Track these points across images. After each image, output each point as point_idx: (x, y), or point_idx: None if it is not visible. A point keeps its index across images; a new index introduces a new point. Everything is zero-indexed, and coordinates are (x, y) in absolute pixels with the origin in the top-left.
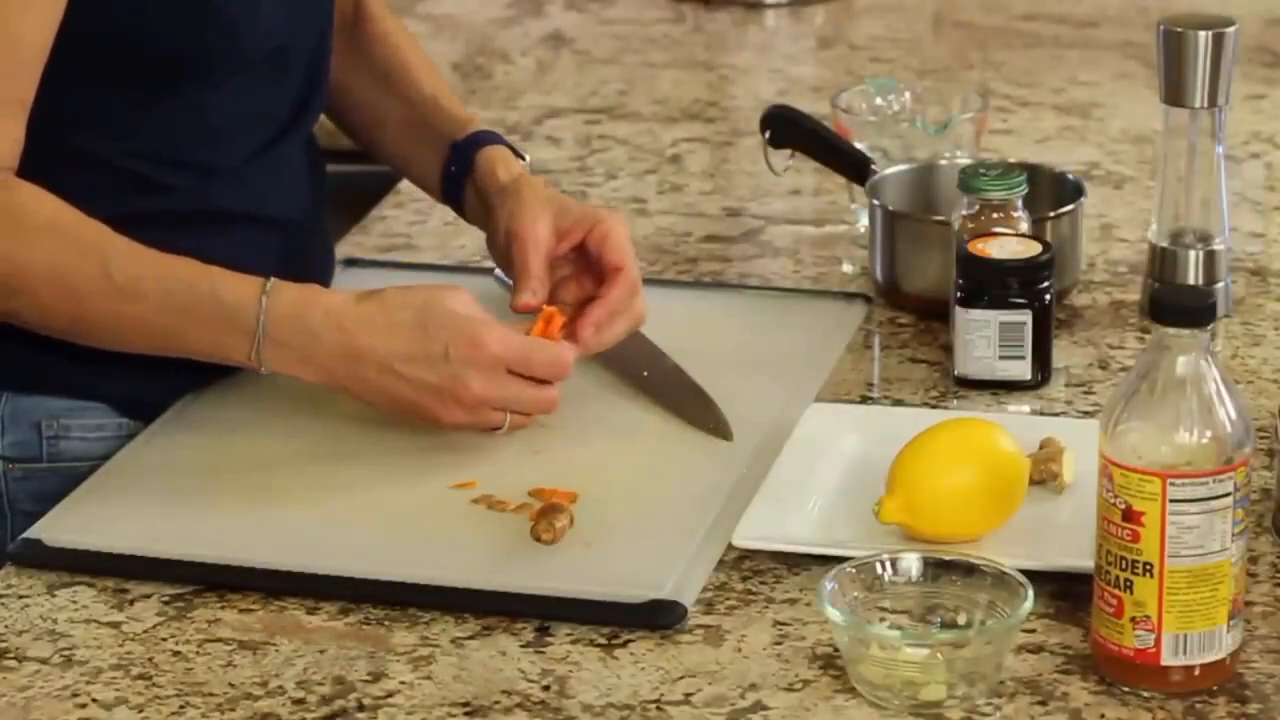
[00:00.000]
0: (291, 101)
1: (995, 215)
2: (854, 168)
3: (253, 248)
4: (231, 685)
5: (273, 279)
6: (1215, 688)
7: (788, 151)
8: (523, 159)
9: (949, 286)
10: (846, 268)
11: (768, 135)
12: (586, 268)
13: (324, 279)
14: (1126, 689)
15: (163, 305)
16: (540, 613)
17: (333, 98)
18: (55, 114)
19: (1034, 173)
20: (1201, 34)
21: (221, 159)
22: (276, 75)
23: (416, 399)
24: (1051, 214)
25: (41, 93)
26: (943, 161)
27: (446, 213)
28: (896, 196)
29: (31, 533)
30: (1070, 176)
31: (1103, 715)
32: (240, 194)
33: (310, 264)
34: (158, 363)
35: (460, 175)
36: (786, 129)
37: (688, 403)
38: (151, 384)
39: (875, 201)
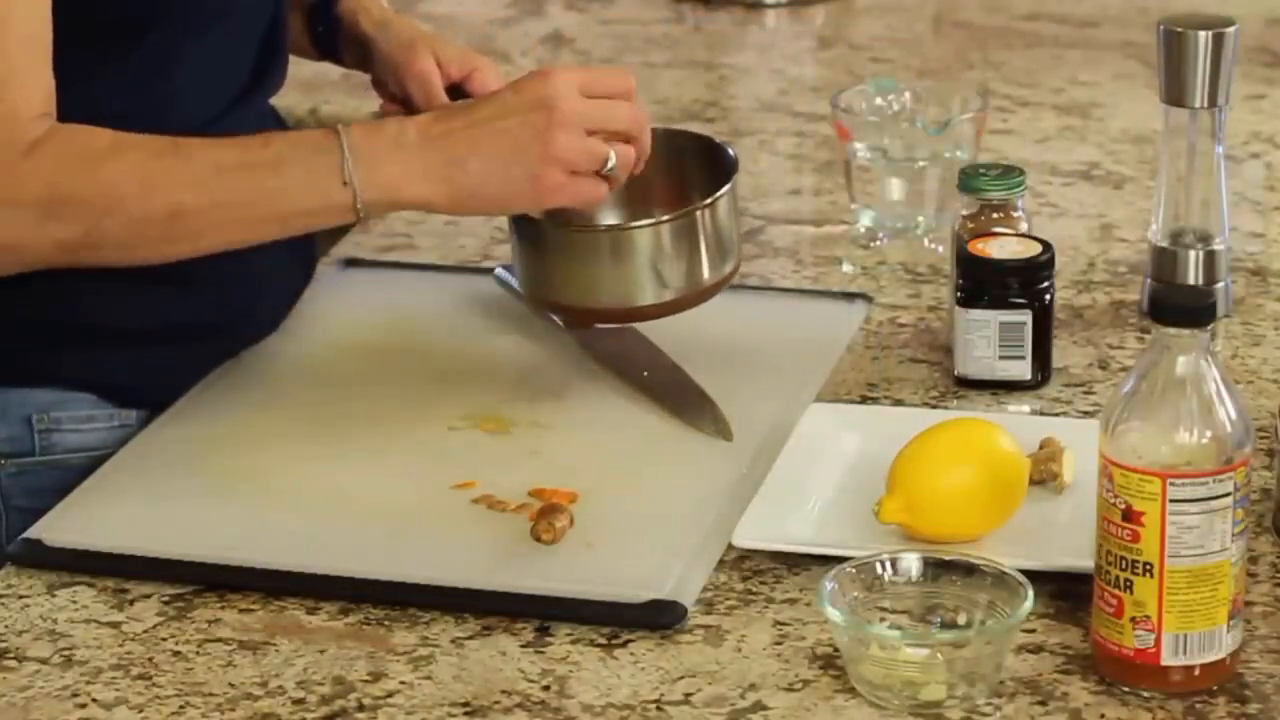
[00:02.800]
0: (248, 67)
1: (995, 215)
2: None
3: None
4: (231, 685)
5: (340, 125)
6: (1215, 688)
7: None
8: None
9: (605, 296)
10: (846, 268)
11: None
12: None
13: (305, 251)
14: (1126, 689)
15: (248, 167)
16: (540, 613)
17: None
18: None
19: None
20: (1201, 34)
21: (176, 121)
22: (231, 39)
23: (515, 136)
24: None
25: None
26: None
27: None
28: None
29: (31, 532)
30: (728, 150)
31: (1103, 715)
32: None
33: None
34: (146, 349)
35: (330, 32)
36: None
37: (687, 403)
38: (139, 370)
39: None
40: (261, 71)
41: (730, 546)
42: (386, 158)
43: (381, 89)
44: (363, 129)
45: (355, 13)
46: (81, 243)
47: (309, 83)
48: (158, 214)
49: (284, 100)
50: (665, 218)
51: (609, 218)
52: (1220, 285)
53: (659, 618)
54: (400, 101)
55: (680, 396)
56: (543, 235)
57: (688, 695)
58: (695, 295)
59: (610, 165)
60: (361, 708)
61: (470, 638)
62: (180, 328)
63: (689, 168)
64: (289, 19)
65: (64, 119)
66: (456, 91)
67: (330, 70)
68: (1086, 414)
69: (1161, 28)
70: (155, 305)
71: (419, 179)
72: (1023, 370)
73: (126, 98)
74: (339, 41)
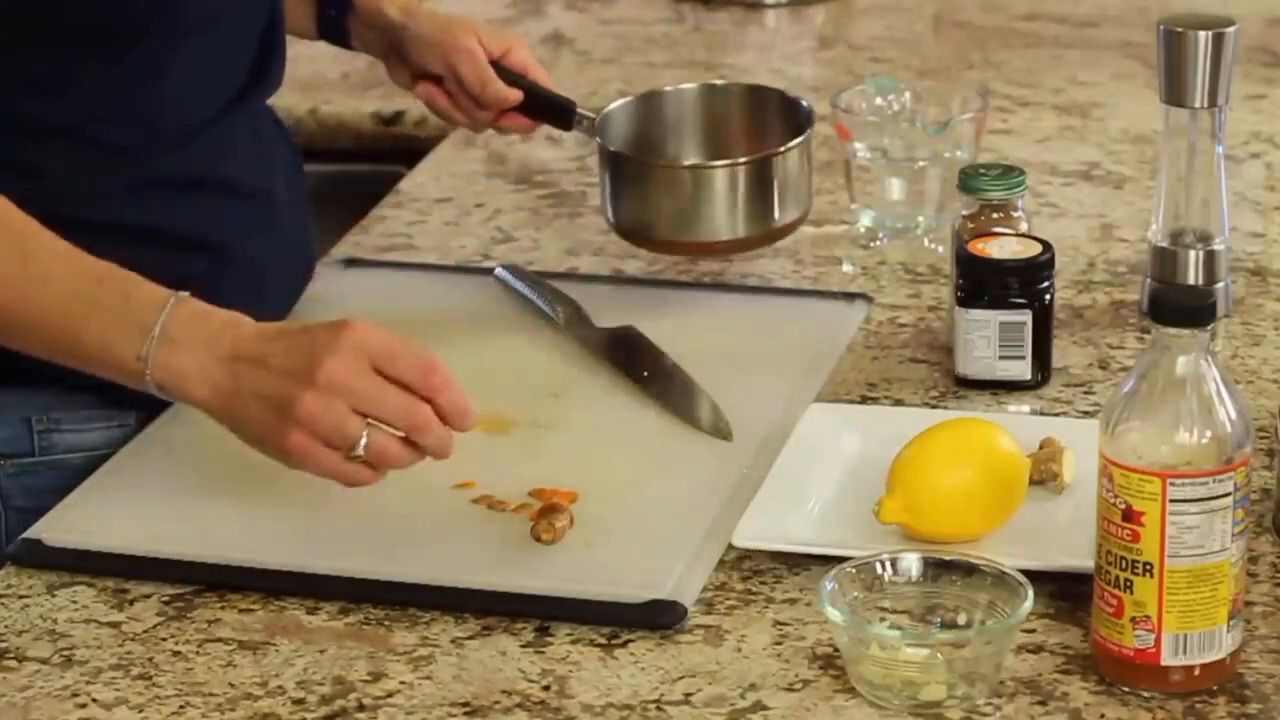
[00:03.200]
0: (245, 68)
1: (995, 215)
2: (552, 112)
3: (214, 213)
4: (231, 685)
5: (186, 292)
6: (1215, 688)
7: None
8: None
9: (686, 228)
10: (846, 268)
11: None
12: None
13: (304, 251)
14: (1126, 689)
15: (68, 294)
16: (540, 613)
17: None
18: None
19: (762, 95)
20: (1201, 34)
21: (170, 123)
22: (226, 41)
23: (280, 385)
24: (782, 148)
25: None
26: (669, 89)
27: (447, 213)
28: (626, 133)
29: (31, 532)
30: (804, 104)
31: (1103, 715)
32: (195, 160)
33: (282, 234)
34: None
35: (340, 16)
36: None
37: (687, 403)
38: None
39: (599, 140)
40: (259, 72)
41: (730, 546)
42: (189, 352)
43: (400, 74)
44: (192, 315)
45: (379, 1)
46: None
47: (308, 83)
48: None
49: (283, 100)
50: (742, 160)
51: (694, 159)
52: (1220, 285)
53: (659, 618)
54: (437, 81)
55: (680, 397)
56: (631, 169)
57: (688, 695)
58: (765, 235)
59: (357, 450)
60: (361, 708)
61: (470, 638)
62: None
63: (770, 121)
64: (284, 10)
65: (54, 125)
66: (497, 68)
67: (329, 70)
68: (1086, 414)
69: (1161, 28)
70: None
71: (207, 388)
72: (1023, 370)
73: (117, 101)
74: (348, 25)
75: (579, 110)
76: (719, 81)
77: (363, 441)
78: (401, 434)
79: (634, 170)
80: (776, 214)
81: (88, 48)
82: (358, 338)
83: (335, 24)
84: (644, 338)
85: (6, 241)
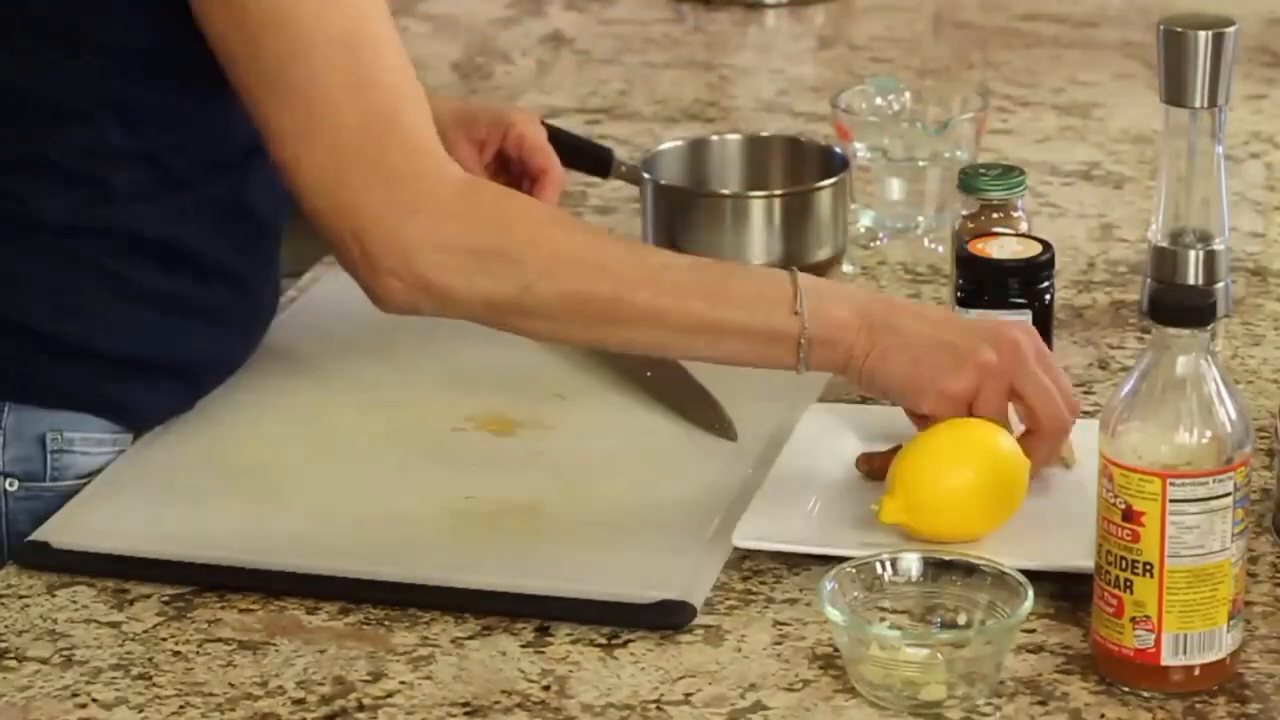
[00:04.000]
0: None
1: (995, 215)
2: (594, 162)
3: (241, 243)
4: (231, 685)
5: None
6: (1215, 688)
7: None
8: None
9: (727, 254)
10: (847, 268)
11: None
12: (506, 169)
13: (277, 288)
14: (1126, 689)
15: (698, 269)
16: (544, 613)
17: None
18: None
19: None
20: (1201, 34)
21: (224, 151)
22: None
23: (948, 338)
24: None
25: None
26: (714, 138)
27: None
28: (671, 173)
29: (36, 535)
30: (838, 151)
31: (1103, 715)
32: (235, 187)
33: (275, 268)
34: (156, 369)
35: None
36: None
37: (691, 403)
38: (151, 390)
39: (647, 176)
40: None
41: (731, 546)
42: (837, 301)
43: None
44: (814, 278)
45: None
46: (511, 305)
47: None
48: (600, 294)
49: None
50: (778, 193)
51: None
52: (1220, 285)
53: (669, 618)
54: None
55: (684, 397)
56: (672, 196)
57: (688, 695)
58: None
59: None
60: (361, 708)
61: (470, 638)
62: (202, 359)
63: (809, 165)
64: None
65: (132, 150)
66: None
67: None
68: (1086, 414)
69: (1161, 28)
70: (177, 337)
71: (861, 327)
72: None
73: (183, 129)
74: None
75: (618, 159)
76: (763, 134)
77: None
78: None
79: (680, 202)
80: (811, 248)
81: (201, 84)
82: (1035, 335)
83: None
84: None
85: (612, 240)
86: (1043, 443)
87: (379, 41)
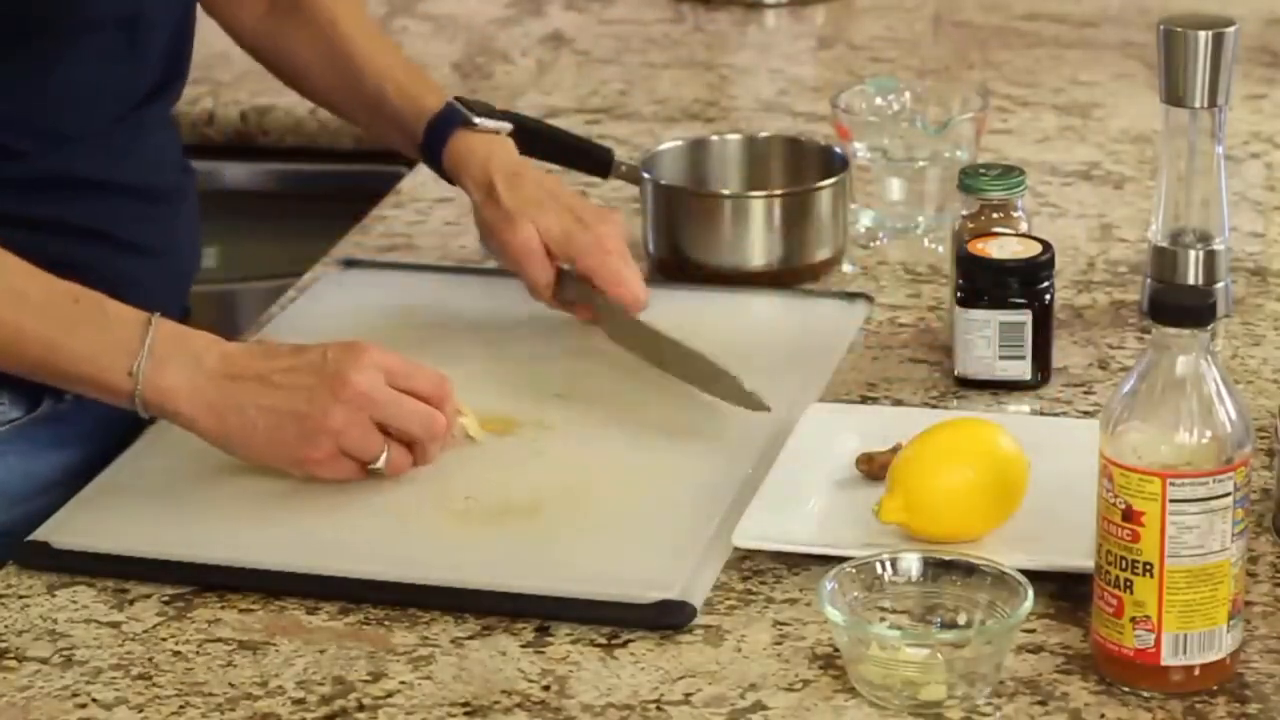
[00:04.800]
0: (150, 74)
1: (995, 215)
2: (594, 162)
3: (115, 215)
4: (231, 685)
5: (158, 313)
6: (1215, 688)
7: None
8: (474, 124)
9: (726, 254)
10: (846, 268)
11: None
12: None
13: (193, 256)
14: (1126, 689)
15: (45, 314)
16: (545, 613)
17: (293, 81)
18: None
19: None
20: (1201, 34)
21: (72, 126)
22: (130, 46)
23: (298, 400)
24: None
25: None
26: (714, 138)
27: (447, 212)
28: (671, 173)
29: (37, 535)
30: (838, 151)
31: (1103, 715)
32: (97, 162)
33: (176, 236)
34: None
35: (436, 164)
36: None
37: (716, 379)
38: None
39: (647, 176)
40: (165, 80)
41: (731, 546)
42: (178, 370)
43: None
44: (173, 334)
45: (461, 176)
46: None
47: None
48: None
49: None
50: (778, 193)
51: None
52: (1220, 285)
53: (669, 618)
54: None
55: (708, 373)
56: (672, 196)
57: (688, 695)
58: (799, 270)
59: (378, 465)
60: (361, 708)
61: (470, 638)
62: None
63: (809, 165)
64: (193, 33)
65: None
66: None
67: None
68: (1086, 414)
69: (1161, 28)
70: None
71: (198, 405)
72: (1023, 370)
73: (15, 100)
74: (443, 166)
75: (618, 159)
76: (762, 134)
77: (384, 456)
78: (407, 444)
79: (680, 202)
80: (811, 248)
81: None
82: (375, 356)
83: (436, 167)
84: (653, 325)
85: None
86: (425, 451)
87: None
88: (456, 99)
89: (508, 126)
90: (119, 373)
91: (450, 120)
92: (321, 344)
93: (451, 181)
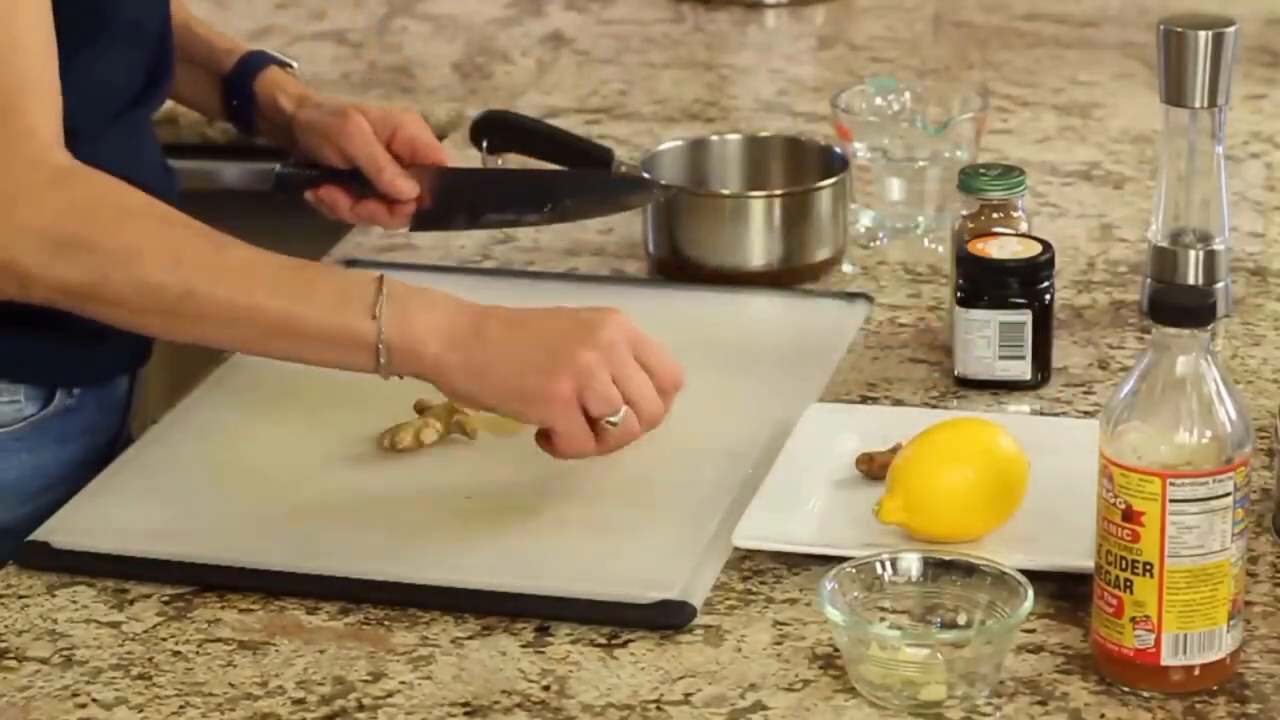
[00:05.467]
0: (143, 71)
1: (995, 215)
2: (594, 162)
3: None
4: (231, 685)
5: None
6: (1215, 688)
7: (500, 158)
8: (291, 66)
9: (726, 254)
10: (847, 268)
11: (484, 145)
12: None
13: None
14: (1126, 689)
15: (278, 281)
16: (544, 613)
17: None
18: None
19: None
20: (1201, 34)
21: (83, 123)
22: (132, 46)
23: (548, 339)
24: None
25: None
26: (714, 138)
27: None
28: (671, 173)
29: (37, 535)
30: (838, 151)
31: (1103, 715)
32: (100, 160)
33: None
34: (43, 322)
35: (244, 108)
36: (504, 135)
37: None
38: (39, 344)
39: (647, 176)
40: (147, 88)
41: (731, 546)
42: (420, 311)
43: (299, 159)
44: (407, 284)
45: (274, 91)
46: (88, 293)
47: (308, 83)
48: (171, 287)
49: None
50: (778, 193)
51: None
52: (1220, 285)
53: (669, 618)
54: (334, 175)
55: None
56: (672, 197)
57: (688, 695)
58: (799, 270)
59: (615, 419)
60: (361, 708)
61: (470, 638)
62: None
63: (809, 165)
64: (174, 40)
65: None
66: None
67: (329, 70)
68: (1086, 414)
69: (1161, 28)
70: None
71: (444, 340)
72: (1023, 370)
73: None
74: (254, 116)
75: (618, 159)
76: (762, 134)
77: (620, 413)
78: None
79: (679, 202)
80: (811, 248)
81: None
82: (628, 322)
83: (239, 114)
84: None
85: (197, 234)
86: (628, 433)
87: (13, 39)
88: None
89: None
90: (362, 317)
91: (265, 58)
92: (587, 306)
93: (245, 121)
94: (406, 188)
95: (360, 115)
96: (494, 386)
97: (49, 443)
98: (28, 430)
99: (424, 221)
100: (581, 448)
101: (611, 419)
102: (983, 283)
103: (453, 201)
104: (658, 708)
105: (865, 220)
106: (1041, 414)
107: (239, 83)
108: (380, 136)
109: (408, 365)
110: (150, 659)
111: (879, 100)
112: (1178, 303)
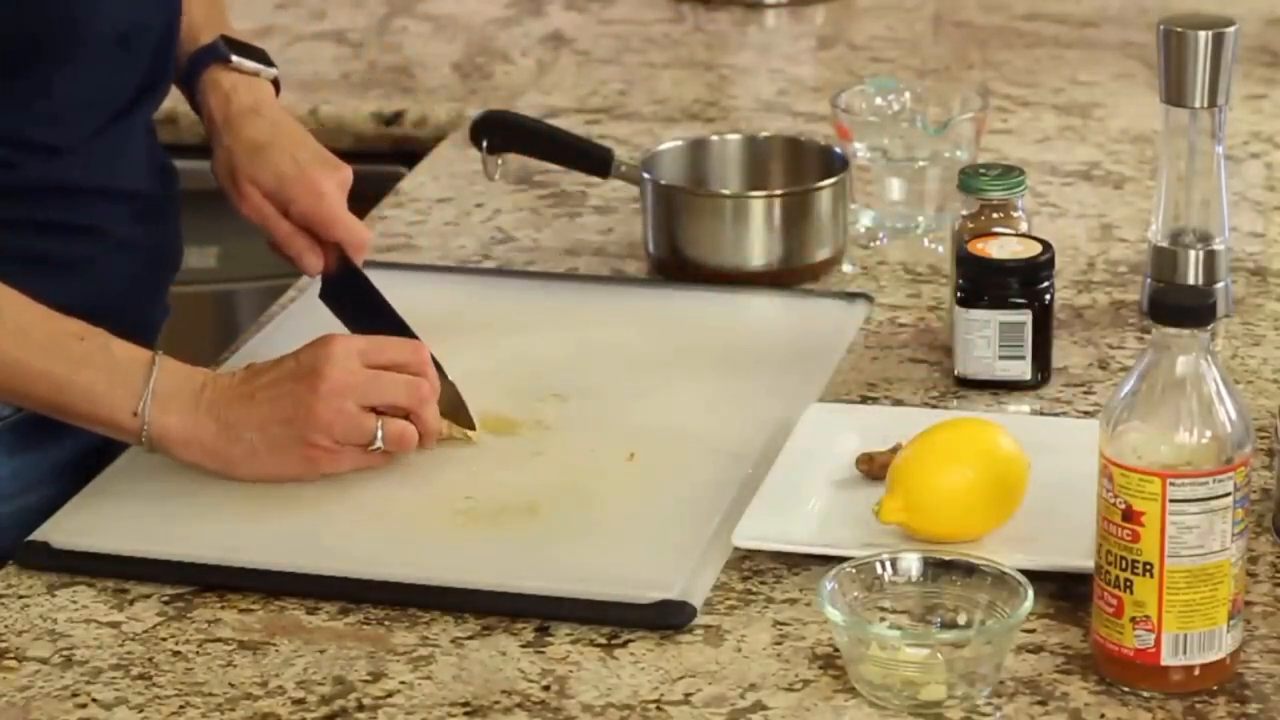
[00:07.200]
0: (136, 83)
1: (995, 215)
2: (594, 162)
3: (104, 219)
4: (231, 685)
5: (159, 351)
6: (1215, 688)
7: (499, 158)
8: (229, 59)
9: (726, 254)
10: (846, 268)
11: (484, 145)
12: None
13: (176, 254)
14: (1126, 689)
15: (50, 353)
16: (544, 613)
17: None
18: None
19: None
20: (1201, 34)
21: (64, 138)
22: (121, 58)
23: (283, 406)
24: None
25: None
26: (714, 138)
27: (446, 212)
28: (671, 173)
29: (37, 535)
30: (838, 151)
31: (1103, 715)
32: (87, 169)
33: (163, 236)
34: None
35: (192, 98)
36: (504, 135)
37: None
38: None
39: (647, 176)
40: (150, 87)
41: (731, 546)
42: (179, 410)
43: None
44: (176, 374)
45: (207, 98)
46: None
47: (307, 83)
48: None
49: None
50: (778, 193)
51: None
52: (1220, 285)
53: (669, 618)
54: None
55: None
56: (672, 196)
57: (688, 695)
58: (799, 270)
59: (375, 443)
60: (361, 708)
61: (470, 638)
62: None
63: (809, 165)
64: (179, 35)
65: None
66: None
67: (329, 70)
68: (1086, 414)
69: (1161, 28)
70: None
71: (197, 444)
72: (1023, 370)
73: (11, 116)
74: (198, 99)
75: (618, 159)
76: (762, 134)
77: (379, 432)
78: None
79: (679, 202)
80: (811, 248)
81: None
82: (342, 343)
83: (195, 103)
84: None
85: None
86: (422, 418)
87: None
88: (224, 37)
89: (272, 71)
90: (125, 413)
91: (210, 54)
92: (295, 350)
93: (190, 98)
94: (308, 264)
95: (253, 190)
96: (261, 471)
97: (31, 444)
98: (5, 431)
99: (328, 296)
100: (375, 463)
101: (374, 445)
102: (983, 283)
103: (344, 298)
104: (658, 708)
105: (865, 220)
106: (1041, 414)
107: (187, 89)
108: (277, 206)
109: (176, 456)
110: (150, 659)
111: (879, 100)
112: (1178, 303)
